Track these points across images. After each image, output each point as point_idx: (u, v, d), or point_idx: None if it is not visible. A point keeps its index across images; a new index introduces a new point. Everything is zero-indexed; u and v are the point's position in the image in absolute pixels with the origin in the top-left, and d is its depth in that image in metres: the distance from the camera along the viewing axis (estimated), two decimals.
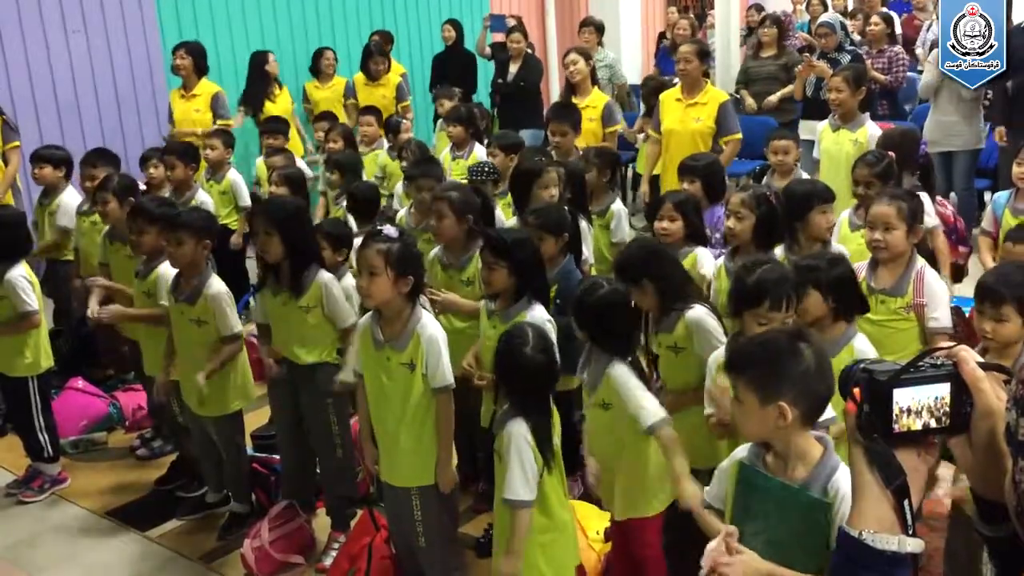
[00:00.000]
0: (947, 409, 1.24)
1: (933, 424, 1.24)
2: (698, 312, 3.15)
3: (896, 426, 1.23)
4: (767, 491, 2.05)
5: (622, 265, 3.27)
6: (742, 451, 2.22)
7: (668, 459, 2.80)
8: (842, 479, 2.00)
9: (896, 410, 1.23)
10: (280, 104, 7.62)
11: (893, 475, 1.23)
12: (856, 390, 1.26)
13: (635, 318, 3.17)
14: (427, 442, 3.13)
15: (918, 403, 1.23)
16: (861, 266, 3.48)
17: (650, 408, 2.85)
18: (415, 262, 3.15)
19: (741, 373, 2.06)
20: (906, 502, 1.23)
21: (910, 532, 1.23)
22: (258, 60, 7.73)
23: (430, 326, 3.10)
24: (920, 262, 3.45)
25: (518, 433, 2.75)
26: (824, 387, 2.07)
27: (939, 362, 1.26)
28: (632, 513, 3.06)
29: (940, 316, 3.38)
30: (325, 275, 3.67)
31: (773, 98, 7.63)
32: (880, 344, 3.31)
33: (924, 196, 4.24)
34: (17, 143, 5.99)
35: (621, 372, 2.92)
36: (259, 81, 7.67)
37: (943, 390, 1.24)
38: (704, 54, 5.97)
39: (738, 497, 2.08)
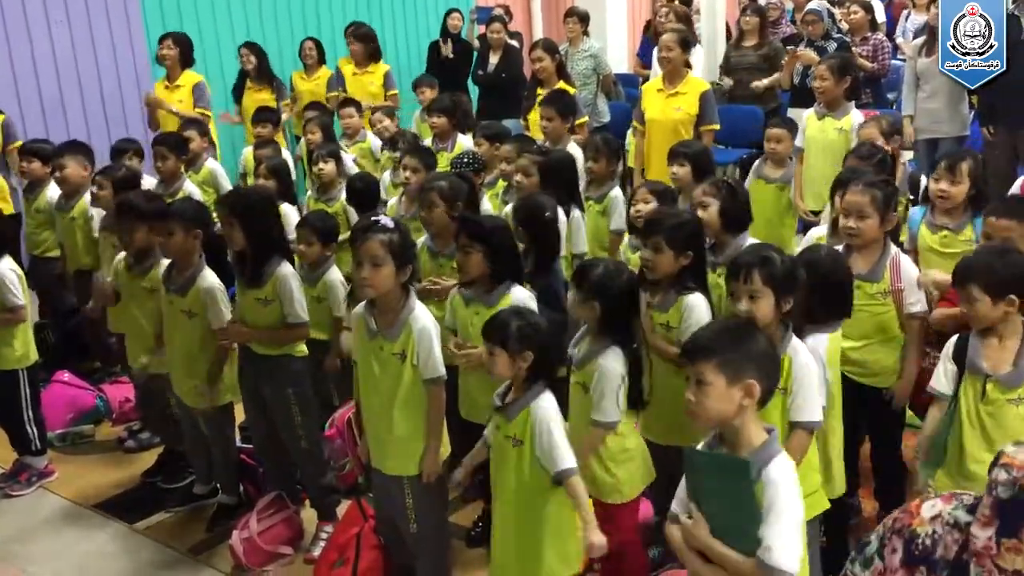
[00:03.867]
0: None
1: None
2: (697, 298, 3.21)
3: None
4: (708, 468, 2.09)
5: (673, 234, 3.24)
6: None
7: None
8: (775, 468, 2.06)
9: None
10: (253, 100, 7.41)
11: None
12: None
13: (635, 306, 3.18)
14: (417, 431, 3.14)
15: None
16: None
17: (608, 408, 2.97)
18: (412, 252, 3.18)
19: (709, 358, 2.14)
20: None
21: None
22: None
23: (422, 317, 3.10)
24: (893, 248, 3.49)
25: (609, 365, 2.96)
26: (776, 372, 2.32)
27: None
28: (606, 498, 3.10)
29: (917, 300, 3.44)
30: (287, 268, 3.65)
31: (761, 84, 7.63)
32: (857, 328, 3.37)
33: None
34: None
35: (612, 366, 2.98)
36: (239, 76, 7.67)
37: None
38: (686, 43, 5.96)
39: (690, 485, 2.13)
